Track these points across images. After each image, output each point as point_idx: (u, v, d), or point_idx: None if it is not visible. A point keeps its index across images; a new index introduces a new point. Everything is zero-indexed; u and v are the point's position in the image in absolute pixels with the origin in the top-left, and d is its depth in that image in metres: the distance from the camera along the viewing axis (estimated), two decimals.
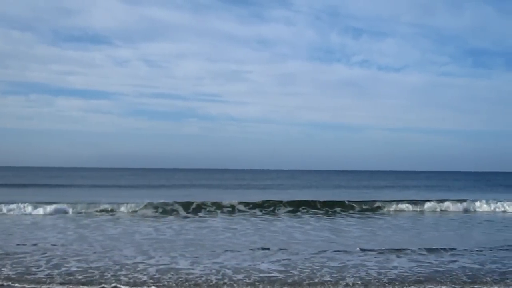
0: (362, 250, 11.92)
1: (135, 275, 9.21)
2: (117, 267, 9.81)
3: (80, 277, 8.98)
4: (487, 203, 24.98)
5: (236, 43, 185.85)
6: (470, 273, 9.62)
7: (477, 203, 24.84)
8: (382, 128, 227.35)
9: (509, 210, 24.19)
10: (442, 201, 25.31)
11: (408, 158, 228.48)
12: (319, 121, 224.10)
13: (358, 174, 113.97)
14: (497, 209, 24.41)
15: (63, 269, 9.61)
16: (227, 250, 11.77)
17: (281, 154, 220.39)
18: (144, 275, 9.22)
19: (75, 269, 9.58)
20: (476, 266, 10.30)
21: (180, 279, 8.87)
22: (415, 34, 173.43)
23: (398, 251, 11.82)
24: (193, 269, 9.71)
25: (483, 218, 20.89)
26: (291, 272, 9.48)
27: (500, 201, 25.24)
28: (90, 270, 9.50)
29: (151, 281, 8.80)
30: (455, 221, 20.02)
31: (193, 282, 8.75)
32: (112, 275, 9.13)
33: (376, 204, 23.74)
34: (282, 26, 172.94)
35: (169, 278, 8.97)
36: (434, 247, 12.26)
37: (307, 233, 15.57)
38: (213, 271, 9.55)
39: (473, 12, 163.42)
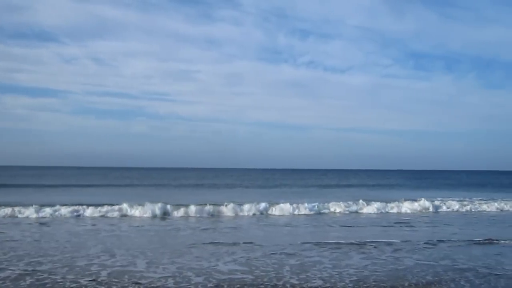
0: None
1: None
2: None
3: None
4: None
5: (184, 43, 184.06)
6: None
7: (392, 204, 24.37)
8: (329, 127, 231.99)
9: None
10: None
11: (354, 157, 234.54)
12: (267, 120, 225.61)
13: (306, 173, 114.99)
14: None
15: None
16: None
17: (229, 153, 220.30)
18: None
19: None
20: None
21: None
22: (360, 36, 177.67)
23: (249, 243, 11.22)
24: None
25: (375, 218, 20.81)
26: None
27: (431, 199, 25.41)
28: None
29: None
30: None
31: None
32: None
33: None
34: (231, 26, 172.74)
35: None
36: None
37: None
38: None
39: (415, 17, 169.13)
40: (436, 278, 9.31)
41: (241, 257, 11.20)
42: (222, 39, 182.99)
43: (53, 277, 9.01)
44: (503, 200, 28.58)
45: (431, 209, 24.00)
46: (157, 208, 20.15)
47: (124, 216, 19.70)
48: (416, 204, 24.46)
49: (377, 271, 9.86)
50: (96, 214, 19.66)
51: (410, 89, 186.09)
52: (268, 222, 19.07)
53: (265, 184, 56.10)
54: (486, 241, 14.17)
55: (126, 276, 9.16)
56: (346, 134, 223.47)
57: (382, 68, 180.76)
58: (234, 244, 13.06)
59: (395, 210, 23.43)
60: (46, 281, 8.73)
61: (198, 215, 20.16)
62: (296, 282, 8.85)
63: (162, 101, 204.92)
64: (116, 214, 19.81)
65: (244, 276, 9.33)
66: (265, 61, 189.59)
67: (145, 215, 19.73)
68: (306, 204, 22.56)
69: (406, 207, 23.76)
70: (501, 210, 25.20)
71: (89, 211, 19.84)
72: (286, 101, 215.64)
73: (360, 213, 22.70)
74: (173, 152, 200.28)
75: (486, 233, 15.95)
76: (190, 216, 20.12)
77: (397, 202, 24.62)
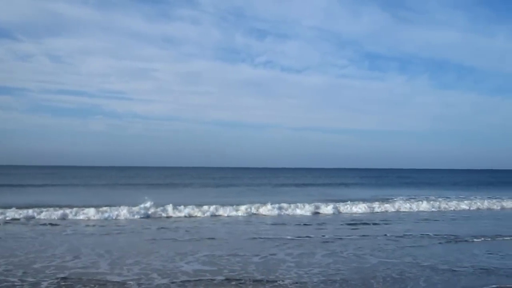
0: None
1: None
2: None
3: None
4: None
5: (142, 41, 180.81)
6: None
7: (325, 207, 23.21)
8: (286, 127, 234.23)
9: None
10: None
11: (311, 156, 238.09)
12: (225, 119, 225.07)
13: (262, 172, 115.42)
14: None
15: None
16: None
17: (187, 152, 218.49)
18: None
19: None
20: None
21: None
22: (316, 37, 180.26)
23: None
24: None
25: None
26: None
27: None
28: None
29: None
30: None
31: None
32: None
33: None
34: (189, 25, 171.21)
35: None
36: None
37: None
38: None
39: (370, 18, 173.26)
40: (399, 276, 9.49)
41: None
42: (180, 38, 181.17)
43: None
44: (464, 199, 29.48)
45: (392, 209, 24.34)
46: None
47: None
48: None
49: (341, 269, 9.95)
50: None
51: (365, 89, 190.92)
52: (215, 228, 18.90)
53: (221, 183, 55.72)
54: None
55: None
56: (303, 133, 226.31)
57: (338, 69, 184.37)
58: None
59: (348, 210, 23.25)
60: None
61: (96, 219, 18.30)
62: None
63: (120, 99, 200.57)
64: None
65: None
66: (223, 60, 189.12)
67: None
68: (242, 207, 21.64)
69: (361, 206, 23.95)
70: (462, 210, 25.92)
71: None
72: (244, 100, 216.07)
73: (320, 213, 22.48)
74: (131, 151, 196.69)
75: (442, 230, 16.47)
76: (90, 219, 18.32)
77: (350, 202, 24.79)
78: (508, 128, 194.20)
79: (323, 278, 9.15)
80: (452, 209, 25.40)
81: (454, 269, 10.10)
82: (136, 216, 19.09)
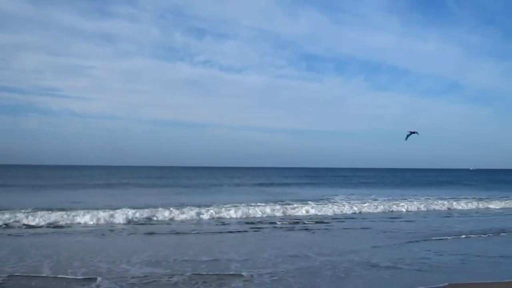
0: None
1: None
2: None
3: None
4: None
5: (79, 38, 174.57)
6: None
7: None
8: (225, 126, 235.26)
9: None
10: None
11: (249, 155, 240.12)
12: (164, 118, 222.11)
13: (200, 171, 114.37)
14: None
15: None
16: None
17: (125, 151, 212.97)
18: None
19: None
20: None
21: None
22: (255, 37, 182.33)
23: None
24: None
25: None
26: None
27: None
28: None
29: None
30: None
31: None
32: None
33: None
34: (127, 23, 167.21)
35: None
36: None
37: None
38: None
39: (308, 20, 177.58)
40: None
41: None
42: (118, 35, 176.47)
43: None
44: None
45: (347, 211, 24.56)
46: None
47: None
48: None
49: None
50: None
51: (303, 89, 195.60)
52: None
53: (158, 183, 54.41)
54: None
55: None
56: (242, 133, 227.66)
57: (276, 69, 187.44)
58: None
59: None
60: None
61: None
62: None
63: (55, 96, 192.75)
64: None
65: None
66: (161, 58, 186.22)
67: None
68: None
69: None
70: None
71: None
72: (183, 99, 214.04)
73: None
74: (66, 150, 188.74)
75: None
76: None
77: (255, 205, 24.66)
78: (438, 129, 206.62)
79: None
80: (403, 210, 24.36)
81: (400, 266, 10.28)
82: None
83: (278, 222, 18.20)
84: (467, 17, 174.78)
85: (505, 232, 16.14)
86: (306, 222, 18.47)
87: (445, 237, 14.73)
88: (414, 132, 16.41)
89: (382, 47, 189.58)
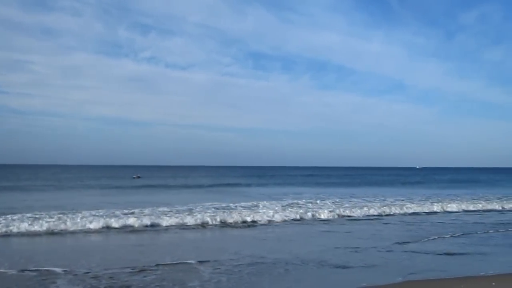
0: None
1: None
2: None
3: None
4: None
5: (18, 31, 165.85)
6: None
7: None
8: (171, 124, 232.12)
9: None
10: None
11: (196, 153, 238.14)
12: (108, 116, 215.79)
13: (143, 170, 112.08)
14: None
15: None
16: None
17: (68, 149, 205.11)
18: None
19: None
20: None
21: None
22: (201, 34, 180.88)
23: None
24: None
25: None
26: None
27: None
28: None
29: None
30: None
31: None
32: None
33: None
34: (69, 17, 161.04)
35: None
36: None
37: None
38: None
39: (255, 18, 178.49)
40: None
41: None
42: (59, 30, 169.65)
43: None
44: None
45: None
46: None
47: None
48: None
49: None
50: None
51: (250, 88, 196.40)
52: None
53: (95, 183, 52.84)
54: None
55: None
56: (189, 131, 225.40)
57: (223, 67, 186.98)
58: None
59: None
60: None
61: None
62: None
63: None
64: None
65: None
66: (105, 54, 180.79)
67: None
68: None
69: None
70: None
71: None
72: (127, 96, 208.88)
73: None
74: (5, 148, 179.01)
75: None
76: None
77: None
78: (382, 127, 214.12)
79: None
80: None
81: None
82: None
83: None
84: (411, 19, 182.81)
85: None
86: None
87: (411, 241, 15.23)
88: None
89: (328, 46, 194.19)
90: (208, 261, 10.45)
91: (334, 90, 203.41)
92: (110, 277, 8.93)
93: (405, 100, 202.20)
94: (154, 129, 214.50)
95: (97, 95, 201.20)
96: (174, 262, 10.27)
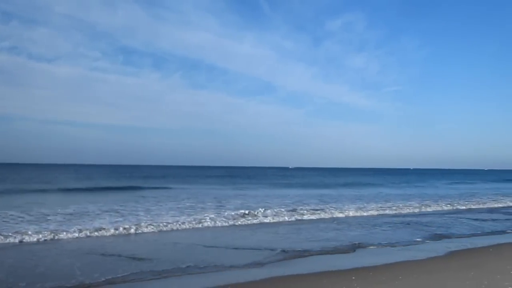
0: None
1: None
2: None
3: None
4: None
5: None
6: None
7: None
8: (32, 119, 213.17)
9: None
10: None
11: (62, 151, 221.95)
12: None
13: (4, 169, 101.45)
14: None
15: None
16: None
17: None
18: None
19: None
20: None
21: None
22: (68, 26, 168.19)
23: None
24: None
25: None
26: None
27: None
28: None
29: None
30: None
31: None
32: None
33: None
34: None
35: None
36: None
37: None
38: None
39: (126, 12, 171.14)
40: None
41: None
42: None
43: None
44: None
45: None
46: None
47: None
48: None
49: None
50: None
51: (119, 84, 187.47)
52: None
53: None
54: None
55: None
56: (52, 127, 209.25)
57: (91, 61, 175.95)
58: None
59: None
60: None
61: None
62: None
63: None
64: None
65: None
66: None
67: None
68: None
69: None
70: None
71: None
72: None
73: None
74: None
75: None
76: None
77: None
78: (253, 127, 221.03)
79: None
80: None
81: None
82: None
83: None
84: (281, 23, 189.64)
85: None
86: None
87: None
88: None
89: (201, 46, 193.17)
90: None
91: (205, 89, 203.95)
92: None
93: (273, 101, 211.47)
94: (15, 125, 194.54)
95: None
96: None
